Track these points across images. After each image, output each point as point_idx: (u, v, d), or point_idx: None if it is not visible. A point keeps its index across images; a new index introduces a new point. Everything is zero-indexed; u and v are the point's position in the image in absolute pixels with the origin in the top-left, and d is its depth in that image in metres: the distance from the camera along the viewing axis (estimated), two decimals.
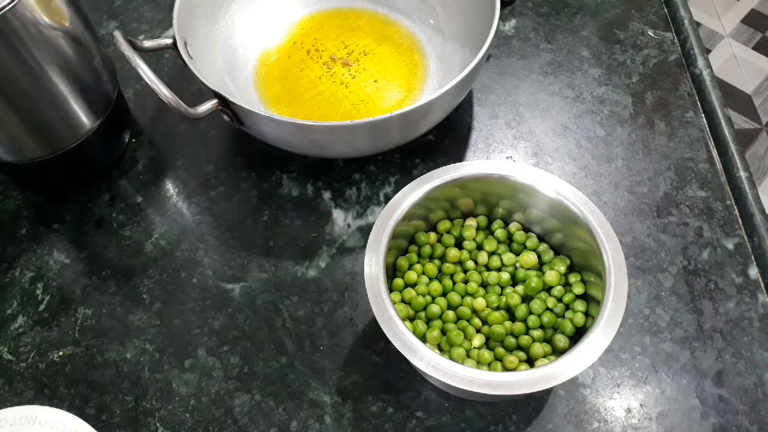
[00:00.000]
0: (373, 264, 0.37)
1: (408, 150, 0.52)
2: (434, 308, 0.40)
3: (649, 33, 0.59)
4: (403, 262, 0.42)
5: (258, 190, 0.51)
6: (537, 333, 0.39)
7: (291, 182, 0.52)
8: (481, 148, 0.53)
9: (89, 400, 0.42)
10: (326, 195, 0.51)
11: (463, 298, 0.41)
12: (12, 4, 0.38)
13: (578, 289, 0.40)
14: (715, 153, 0.52)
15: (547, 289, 0.41)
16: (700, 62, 0.56)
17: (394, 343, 0.35)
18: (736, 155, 0.51)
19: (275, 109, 0.54)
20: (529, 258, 0.42)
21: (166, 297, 0.46)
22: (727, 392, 0.41)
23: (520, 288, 0.41)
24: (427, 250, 0.43)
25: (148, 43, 0.46)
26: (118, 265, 0.48)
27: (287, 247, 0.48)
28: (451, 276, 0.42)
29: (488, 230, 0.44)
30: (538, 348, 0.38)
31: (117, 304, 0.46)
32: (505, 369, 0.38)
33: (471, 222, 0.44)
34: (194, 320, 0.45)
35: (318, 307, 0.46)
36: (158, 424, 0.41)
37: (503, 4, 0.58)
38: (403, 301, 0.41)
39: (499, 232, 0.43)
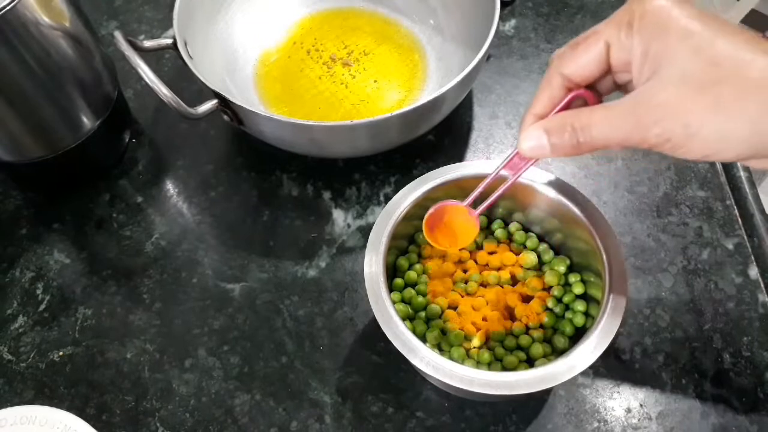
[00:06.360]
0: (373, 264, 0.37)
1: (408, 150, 0.52)
2: (434, 308, 0.40)
3: None
4: (403, 262, 0.42)
5: (258, 190, 0.51)
6: (537, 333, 0.39)
7: (291, 182, 0.52)
8: (481, 148, 0.53)
9: (89, 400, 0.42)
10: (326, 195, 0.51)
11: (463, 297, 0.41)
12: (12, 4, 0.38)
13: (578, 289, 0.40)
14: None
15: (547, 289, 0.41)
16: None
17: (394, 343, 0.35)
18: None
19: (275, 109, 0.54)
20: (529, 258, 0.42)
21: (166, 297, 0.46)
22: (727, 392, 0.41)
23: (520, 288, 0.41)
24: (427, 250, 0.43)
25: (148, 43, 0.46)
26: (118, 265, 0.48)
27: (287, 247, 0.48)
28: (451, 276, 0.42)
29: (488, 230, 0.44)
30: (538, 348, 0.38)
31: (117, 304, 0.46)
32: (505, 369, 0.38)
33: None
34: (194, 320, 0.45)
35: (318, 307, 0.46)
36: (158, 424, 0.41)
37: (503, 4, 0.58)
38: (403, 301, 0.41)
39: (499, 232, 0.43)
